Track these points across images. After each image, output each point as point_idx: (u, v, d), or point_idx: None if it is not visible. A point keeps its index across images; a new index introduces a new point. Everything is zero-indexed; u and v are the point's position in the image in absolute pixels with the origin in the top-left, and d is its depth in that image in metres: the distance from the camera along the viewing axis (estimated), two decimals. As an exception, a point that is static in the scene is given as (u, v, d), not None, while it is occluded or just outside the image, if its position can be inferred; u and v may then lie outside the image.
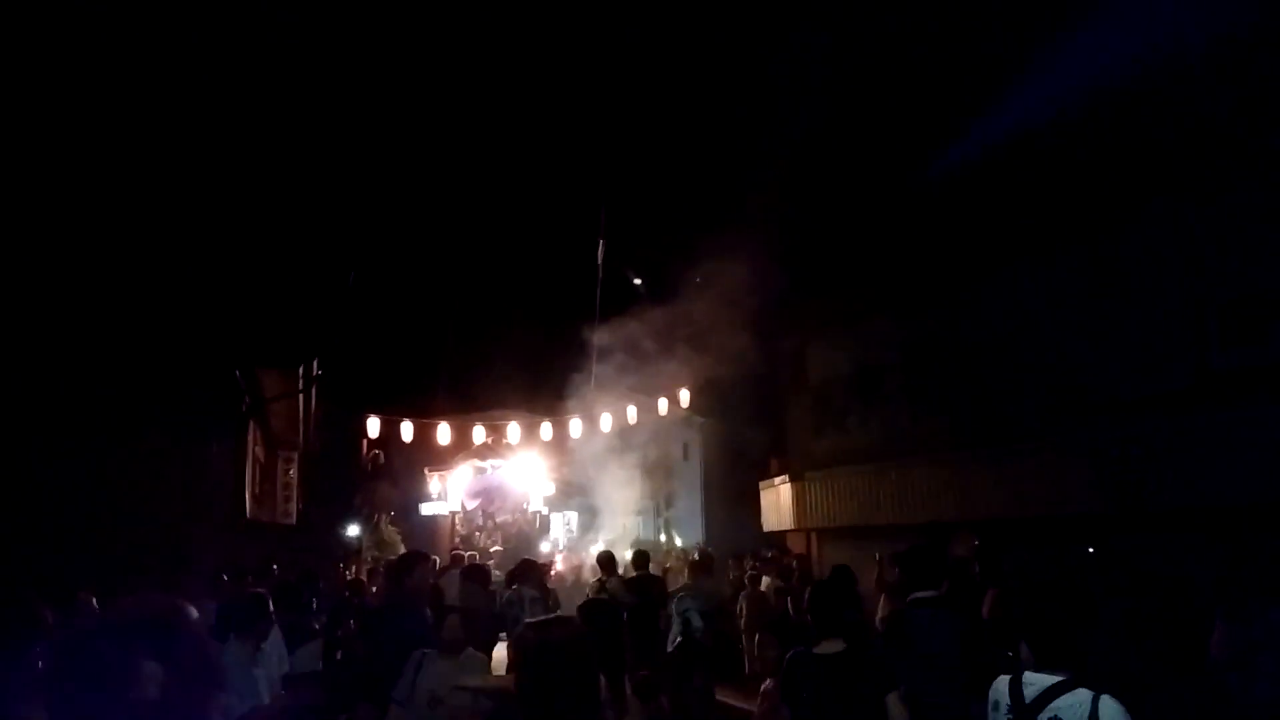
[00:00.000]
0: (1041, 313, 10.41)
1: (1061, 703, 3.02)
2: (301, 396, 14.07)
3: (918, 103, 10.29)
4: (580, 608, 8.22)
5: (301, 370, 13.36)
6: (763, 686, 5.17)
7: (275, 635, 5.55)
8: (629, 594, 8.76)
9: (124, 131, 8.68)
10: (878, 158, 11.30)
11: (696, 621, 8.24)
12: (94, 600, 5.61)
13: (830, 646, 4.25)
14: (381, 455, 18.03)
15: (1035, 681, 3.13)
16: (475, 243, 16.50)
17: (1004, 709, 3.21)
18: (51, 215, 8.48)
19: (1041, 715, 3.04)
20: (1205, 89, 8.29)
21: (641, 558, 9.88)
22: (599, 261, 14.44)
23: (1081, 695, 2.99)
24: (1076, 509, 9.65)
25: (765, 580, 11.79)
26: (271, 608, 5.32)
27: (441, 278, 17.44)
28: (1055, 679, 3.08)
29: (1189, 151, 8.64)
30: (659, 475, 20.18)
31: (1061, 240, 10.15)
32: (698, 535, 19.42)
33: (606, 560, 9.55)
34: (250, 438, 13.03)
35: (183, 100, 8.96)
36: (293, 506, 15.43)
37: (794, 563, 13.25)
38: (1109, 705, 2.95)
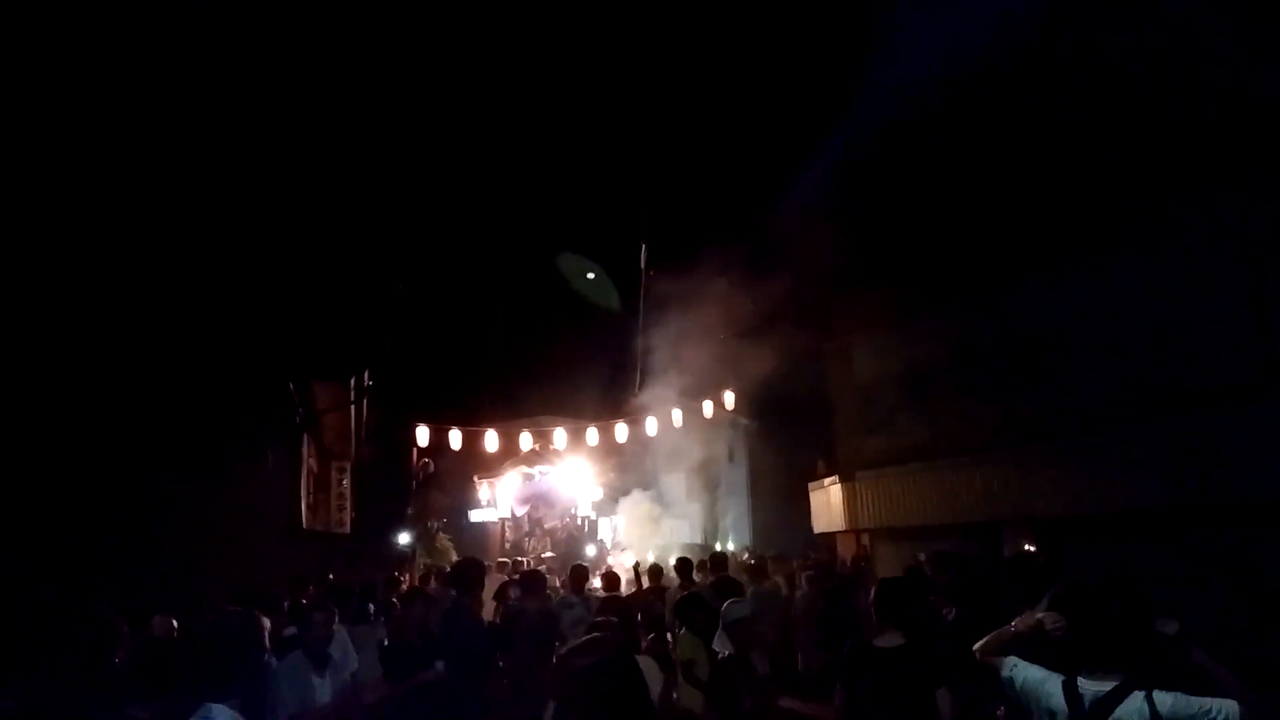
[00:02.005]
0: (1098, 304, 10.19)
1: (1121, 711, 2.99)
2: (353, 408, 14.30)
3: (965, 93, 10.14)
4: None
5: (352, 382, 13.58)
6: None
7: (342, 637, 5.66)
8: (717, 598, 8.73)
9: (180, 153, 8.87)
10: (926, 150, 11.14)
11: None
12: (173, 622, 5.71)
13: (889, 640, 4.40)
14: (431, 464, 18.20)
15: (1089, 688, 3.10)
16: (519, 252, 16.60)
17: (1061, 715, 3.15)
18: (113, 239, 8.69)
19: None
20: (1263, 71, 8.07)
21: (720, 560, 9.88)
22: (642, 266, 14.44)
23: (1137, 698, 2.97)
24: (1138, 504, 9.43)
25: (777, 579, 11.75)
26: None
27: (487, 286, 17.57)
28: (1110, 684, 3.05)
29: (1248, 136, 8.42)
30: (704, 478, 20.13)
31: (1118, 229, 9.93)
32: (744, 538, 19.32)
33: (684, 567, 9.61)
34: (304, 449, 13.24)
35: (234, 121, 9.14)
36: (347, 516, 15.64)
37: (848, 560, 13.22)
38: (1163, 698, 2.94)
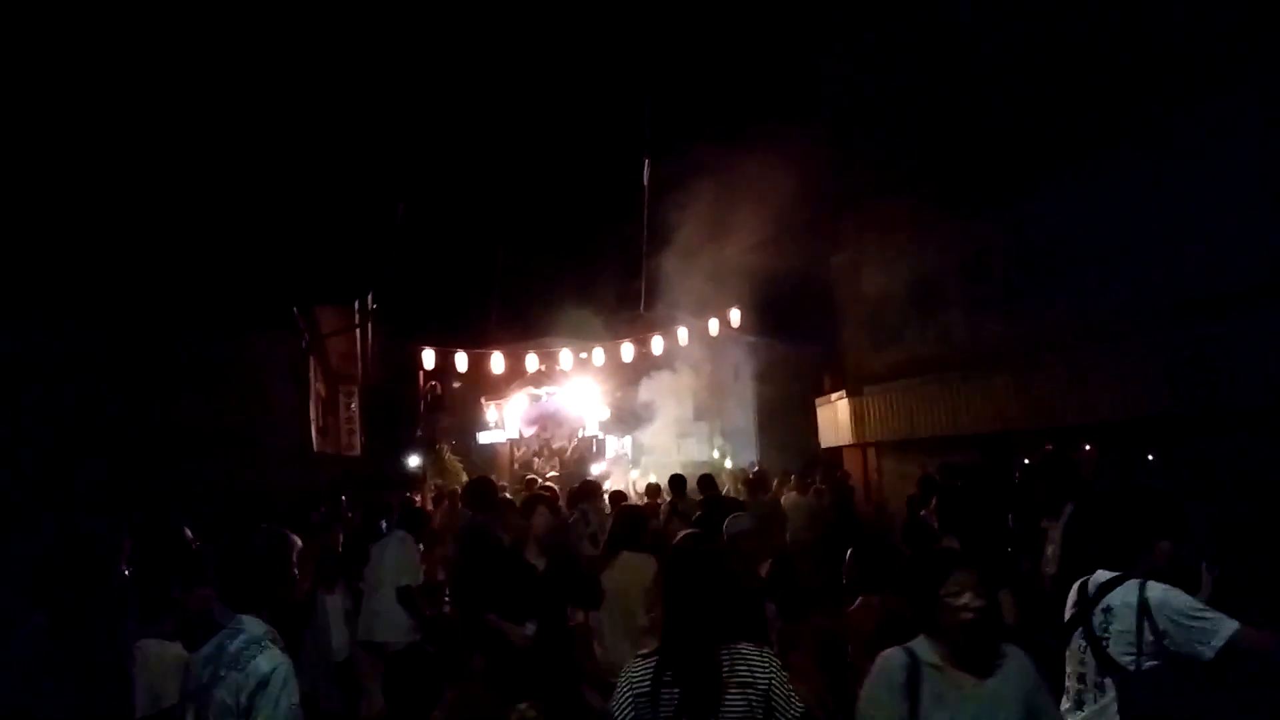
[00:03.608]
0: (1108, 211, 10.02)
1: (1114, 594, 3.26)
2: (358, 331, 14.28)
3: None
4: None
5: (357, 305, 13.53)
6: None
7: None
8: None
9: (181, 81, 8.67)
10: (932, 51, 10.80)
11: None
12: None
13: (949, 545, 4.68)
14: (438, 386, 18.28)
15: (1098, 578, 3.39)
16: (522, 172, 16.36)
17: (1071, 604, 3.47)
18: (113, 165, 8.56)
19: (1099, 605, 3.29)
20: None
21: (707, 481, 9.94)
22: (645, 183, 14.20)
23: (1130, 585, 3.23)
24: (1148, 412, 9.44)
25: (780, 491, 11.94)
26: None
27: (489, 207, 17.39)
28: (1112, 575, 3.32)
29: (1258, 37, 8.15)
30: (710, 396, 20.23)
31: (1128, 133, 9.70)
32: (751, 455, 19.51)
33: (678, 483, 9.68)
34: (311, 373, 13.26)
35: (232, 47, 8.90)
36: (356, 439, 15.79)
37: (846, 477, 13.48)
38: (1155, 589, 3.16)
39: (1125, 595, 3.22)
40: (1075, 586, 3.49)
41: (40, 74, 7.53)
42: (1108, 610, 3.25)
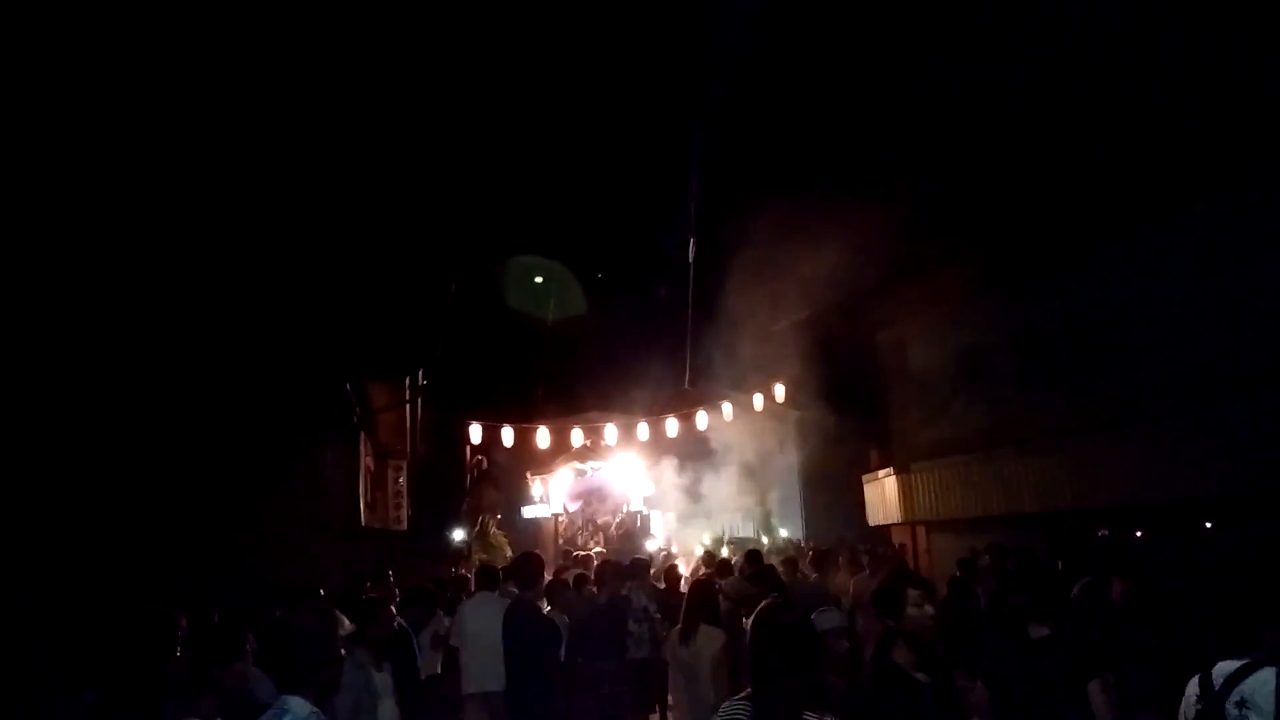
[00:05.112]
0: (1161, 284, 9.91)
1: (1247, 685, 3.09)
2: (408, 407, 14.51)
3: (1021, 69, 9.83)
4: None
5: (407, 381, 13.78)
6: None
7: None
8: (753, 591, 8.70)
9: (239, 163, 9.05)
10: (977, 127, 10.86)
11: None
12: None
13: (1037, 631, 4.37)
14: (485, 460, 18.39)
15: (1223, 669, 3.20)
16: (568, 250, 16.67)
17: (1193, 699, 3.28)
18: (169, 248, 8.90)
19: (1230, 698, 3.11)
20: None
21: (755, 556, 9.88)
22: (690, 260, 14.41)
23: (1266, 673, 3.05)
24: (1204, 492, 9.19)
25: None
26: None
27: (536, 285, 17.69)
28: (1240, 663, 3.14)
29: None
30: (755, 471, 20.02)
31: (1180, 205, 9.63)
32: (797, 531, 19.20)
33: (723, 564, 9.68)
34: (362, 448, 13.45)
35: (285, 124, 9.29)
36: (403, 513, 15.89)
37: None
38: None
39: (1260, 684, 3.05)
40: (1196, 679, 3.30)
41: (104, 156, 7.92)
42: (1243, 704, 3.07)
